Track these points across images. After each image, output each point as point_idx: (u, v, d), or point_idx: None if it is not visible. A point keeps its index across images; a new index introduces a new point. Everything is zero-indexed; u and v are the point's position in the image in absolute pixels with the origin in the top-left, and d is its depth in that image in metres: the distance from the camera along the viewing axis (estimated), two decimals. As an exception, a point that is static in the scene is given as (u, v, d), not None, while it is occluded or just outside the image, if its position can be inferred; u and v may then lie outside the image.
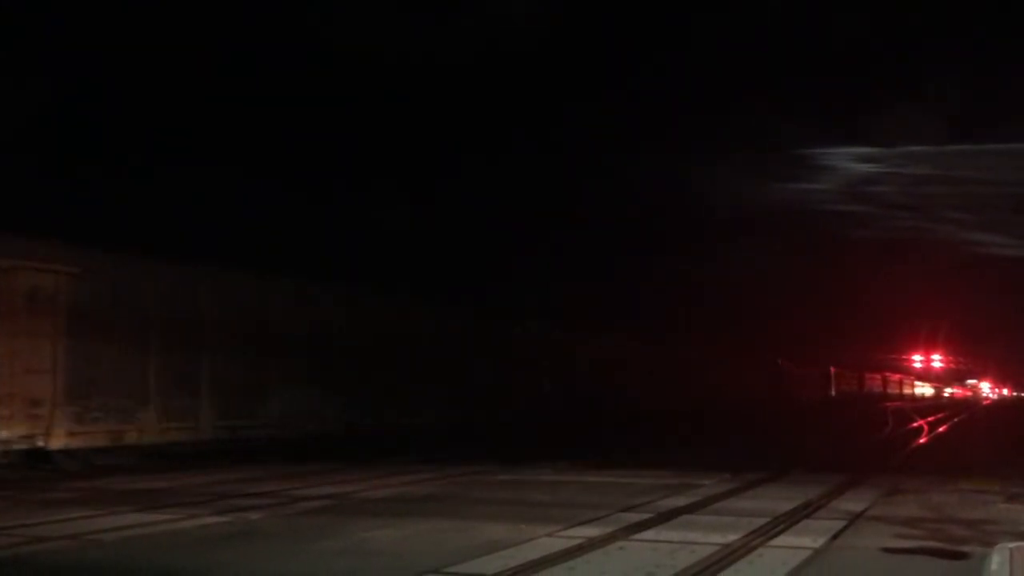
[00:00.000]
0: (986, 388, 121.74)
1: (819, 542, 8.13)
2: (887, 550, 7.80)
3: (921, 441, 25.19)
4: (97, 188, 18.71)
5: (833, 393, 65.14)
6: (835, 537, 8.43)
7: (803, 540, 8.22)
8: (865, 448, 21.84)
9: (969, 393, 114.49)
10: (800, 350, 54.23)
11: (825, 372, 64.91)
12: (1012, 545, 6.95)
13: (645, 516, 9.51)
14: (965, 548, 7.78)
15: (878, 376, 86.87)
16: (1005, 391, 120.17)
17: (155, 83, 19.46)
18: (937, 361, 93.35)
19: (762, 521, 9.11)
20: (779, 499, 10.88)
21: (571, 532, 8.52)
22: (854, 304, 51.70)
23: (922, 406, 58.48)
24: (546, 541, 8.08)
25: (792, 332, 49.84)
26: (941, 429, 31.15)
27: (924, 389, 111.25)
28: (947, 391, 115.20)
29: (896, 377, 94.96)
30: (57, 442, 14.59)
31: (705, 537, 8.25)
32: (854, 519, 9.47)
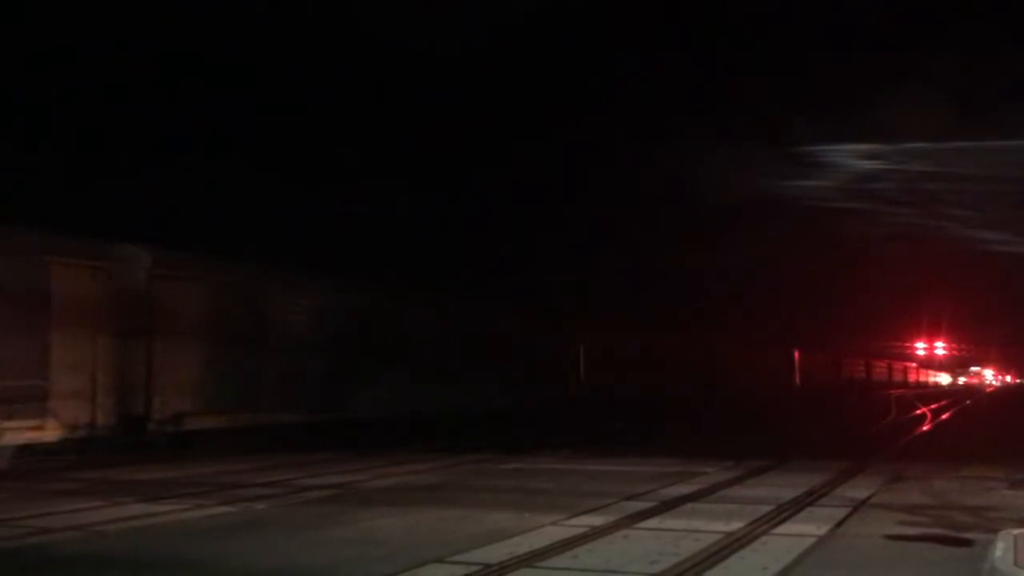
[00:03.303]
0: (989, 375, 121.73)
1: (823, 529, 8.15)
2: (891, 537, 7.82)
3: (924, 428, 25.21)
4: (109, 183, 18.75)
5: (798, 381, 55.91)
6: (839, 524, 8.45)
7: (807, 528, 8.24)
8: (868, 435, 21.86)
9: (975, 381, 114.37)
10: (751, 329, 46.16)
11: (787, 356, 55.52)
12: (1016, 531, 6.95)
13: (649, 504, 9.53)
14: (969, 535, 7.79)
15: (861, 362, 77.56)
16: (1008, 378, 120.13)
17: (158, 77, 19.49)
18: (940, 349, 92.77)
19: (766, 509, 9.13)
20: (783, 487, 10.90)
21: (575, 520, 8.55)
22: (847, 290, 48.68)
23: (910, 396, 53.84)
24: (550, 529, 8.10)
25: (745, 310, 43.06)
26: (944, 416, 31.16)
27: (941, 377, 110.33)
28: (961, 379, 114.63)
29: (883, 363, 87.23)
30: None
31: (709, 525, 8.26)
32: (858, 506, 9.49)
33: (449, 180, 25.77)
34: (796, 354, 56.35)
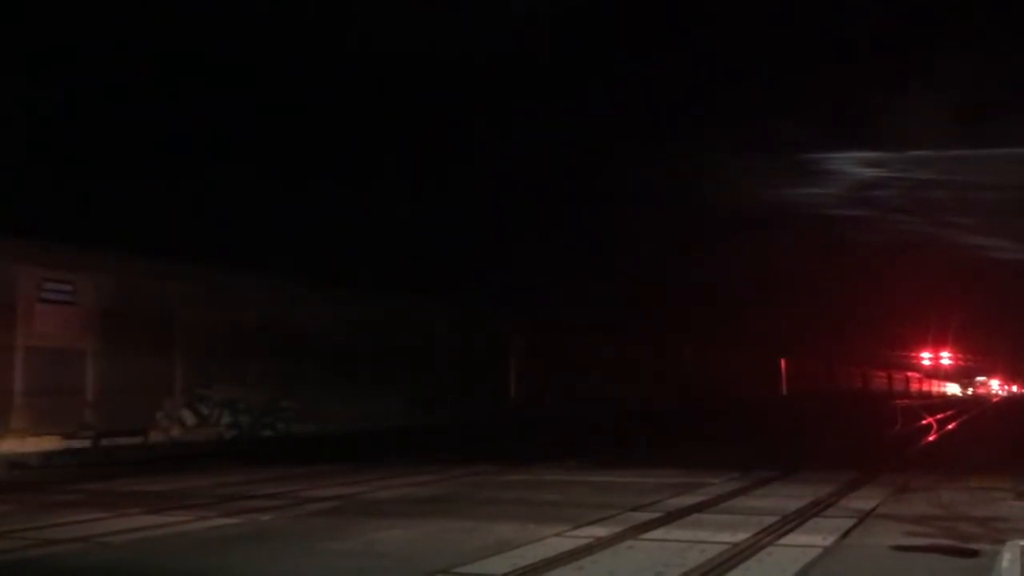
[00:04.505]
0: (995, 385, 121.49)
1: (829, 540, 8.10)
2: (897, 548, 7.77)
3: (931, 439, 25.10)
4: (113, 191, 18.81)
5: (785, 391, 53.15)
6: (845, 535, 8.40)
7: (813, 538, 8.19)
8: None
9: (983, 391, 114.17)
10: (735, 336, 44.34)
11: (773, 364, 52.33)
12: (1023, 542, 6.93)
13: (654, 515, 9.49)
14: (975, 546, 7.74)
15: (856, 371, 76.09)
16: (1015, 388, 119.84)
17: (159, 85, 19.58)
18: (946, 358, 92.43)
19: (772, 519, 9.08)
20: (788, 497, 10.85)
21: (580, 532, 8.51)
22: (847, 298, 48.00)
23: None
24: (555, 541, 8.07)
25: (730, 317, 41.37)
26: (951, 427, 31.04)
27: (949, 387, 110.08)
28: (970, 390, 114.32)
29: (882, 373, 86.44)
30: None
31: (714, 536, 8.23)
32: (864, 517, 9.44)
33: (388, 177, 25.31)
34: (783, 362, 54.38)
